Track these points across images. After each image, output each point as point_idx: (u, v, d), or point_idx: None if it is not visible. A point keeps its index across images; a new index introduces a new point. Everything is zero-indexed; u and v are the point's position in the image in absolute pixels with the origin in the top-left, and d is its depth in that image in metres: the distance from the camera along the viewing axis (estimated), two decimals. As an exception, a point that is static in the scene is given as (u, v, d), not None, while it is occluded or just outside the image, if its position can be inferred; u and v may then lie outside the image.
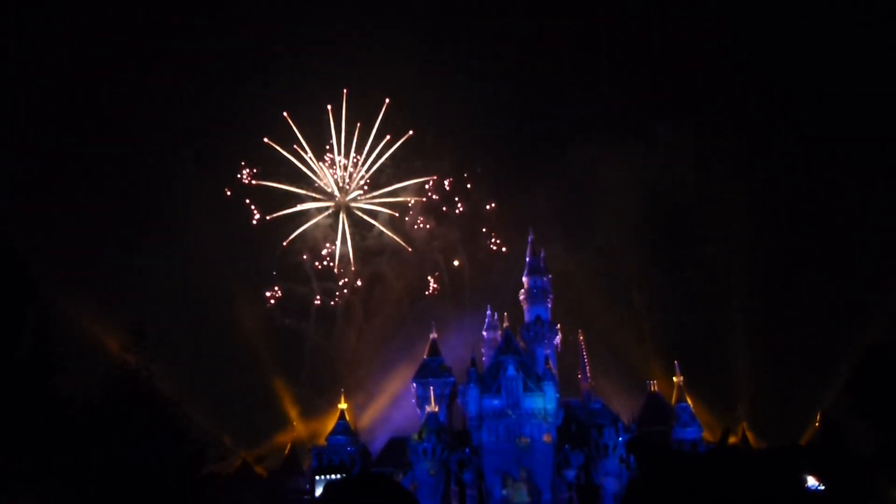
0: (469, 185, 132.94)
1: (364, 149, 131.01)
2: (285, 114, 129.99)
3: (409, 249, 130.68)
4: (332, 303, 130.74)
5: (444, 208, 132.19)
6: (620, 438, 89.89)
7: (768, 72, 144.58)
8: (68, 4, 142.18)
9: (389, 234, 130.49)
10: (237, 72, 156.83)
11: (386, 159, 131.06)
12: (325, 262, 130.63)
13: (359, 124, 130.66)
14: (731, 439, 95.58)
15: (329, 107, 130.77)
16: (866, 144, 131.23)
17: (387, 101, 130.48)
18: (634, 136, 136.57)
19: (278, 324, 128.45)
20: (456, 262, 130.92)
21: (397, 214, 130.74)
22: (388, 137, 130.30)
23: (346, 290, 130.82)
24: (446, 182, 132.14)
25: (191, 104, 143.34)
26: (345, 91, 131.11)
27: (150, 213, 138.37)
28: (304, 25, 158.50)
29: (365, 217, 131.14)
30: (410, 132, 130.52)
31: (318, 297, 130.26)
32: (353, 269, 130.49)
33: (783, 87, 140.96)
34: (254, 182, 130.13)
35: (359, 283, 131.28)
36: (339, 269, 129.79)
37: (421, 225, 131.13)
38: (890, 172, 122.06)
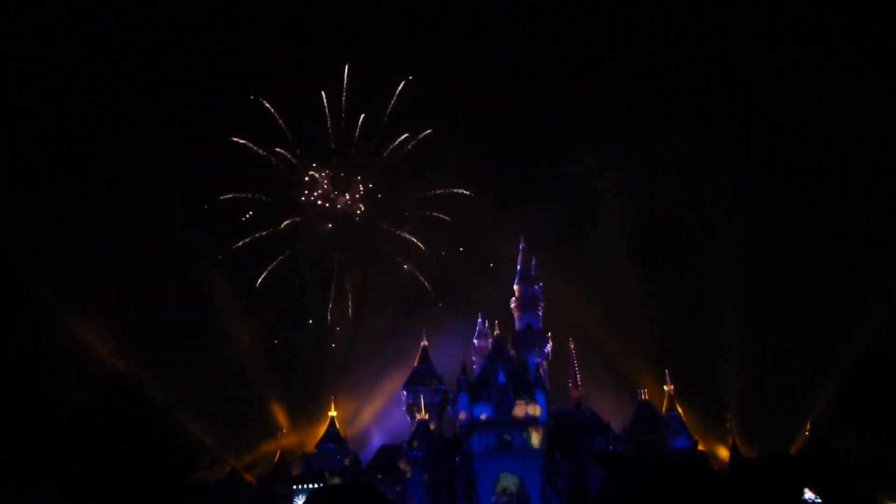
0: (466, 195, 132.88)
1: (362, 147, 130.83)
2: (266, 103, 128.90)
3: (406, 266, 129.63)
4: (326, 310, 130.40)
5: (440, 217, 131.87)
6: (611, 447, 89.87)
7: (765, 83, 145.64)
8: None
9: (385, 243, 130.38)
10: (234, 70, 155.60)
11: (382, 168, 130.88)
12: (320, 269, 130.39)
13: (363, 116, 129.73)
14: (721, 449, 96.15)
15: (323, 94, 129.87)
16: (861, 155, 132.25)
17: (404, 81, 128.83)
18: (630, 146, 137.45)
19: (270, 331, 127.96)
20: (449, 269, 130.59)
21: (422, 247, 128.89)
22: (400, 139, 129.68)
23: (339, 298, 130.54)
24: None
25: (180, 99, 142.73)
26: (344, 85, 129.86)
27: (142, 218, 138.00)
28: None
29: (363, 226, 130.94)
30: (429, 130, 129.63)
31: (311, 304, 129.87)
32: (347, 275, 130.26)
33: (779, 97, 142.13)
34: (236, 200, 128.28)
35: (351, 289, 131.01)
36: (334, 276, 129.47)
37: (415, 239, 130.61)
38: (884, 181, 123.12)
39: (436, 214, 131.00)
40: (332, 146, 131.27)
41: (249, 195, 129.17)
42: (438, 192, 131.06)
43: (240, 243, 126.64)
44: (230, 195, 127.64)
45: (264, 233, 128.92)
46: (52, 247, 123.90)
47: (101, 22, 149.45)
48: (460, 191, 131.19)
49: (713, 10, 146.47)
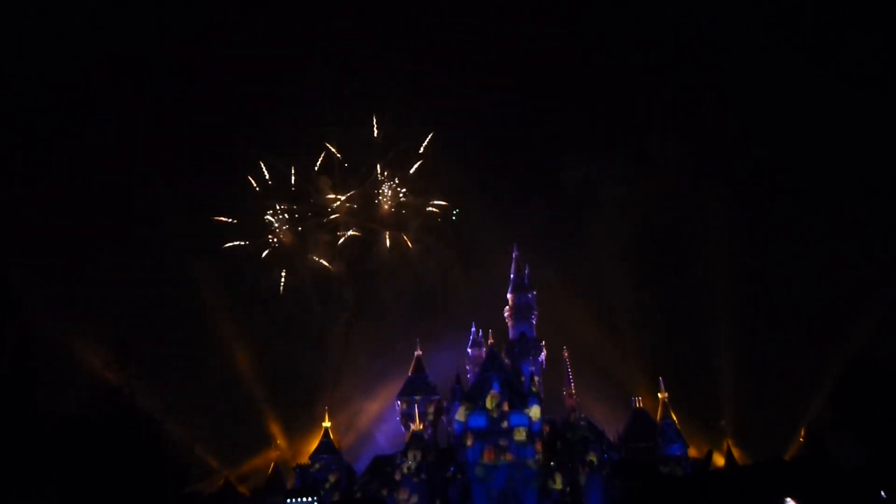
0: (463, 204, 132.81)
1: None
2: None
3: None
4: (322, 320, 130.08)
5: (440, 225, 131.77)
6: (606, 455, 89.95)
7: (763, 93, 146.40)
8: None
9: (385, 251, 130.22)
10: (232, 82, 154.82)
11: (384, 178, 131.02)
12: (318, 278, 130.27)
13: (362, 125, 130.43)
14: (716, 456, 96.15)
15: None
16: (855, 166, 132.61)
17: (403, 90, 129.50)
18: (625, 155, 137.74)
19: (265, 342, 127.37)
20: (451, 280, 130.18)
21: (416, 257, 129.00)
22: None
23: (335, 308, 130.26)
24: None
25: (183, 117, 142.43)
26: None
27: (137, 228, 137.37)
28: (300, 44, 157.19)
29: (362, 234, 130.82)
30: (431, 134, 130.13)
31: (308, 314, 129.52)
32: (345, 285, 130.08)
33: (777, 107, 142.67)
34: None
35: (347, 299, 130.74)
36: (336, 285, 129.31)
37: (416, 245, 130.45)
38: (878, 190, 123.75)
39: (432, 223, 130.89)
40: (333, 156, 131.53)
41: (247, 206, 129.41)
42: (435, 202, 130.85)
43: (231, 248, 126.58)
44: (222, 214, 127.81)
45: (259, 242, 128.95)
46: (43, 258, 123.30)
47: (103, 33, 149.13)
48: (452, 205, 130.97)
49: (711, 18, 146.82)
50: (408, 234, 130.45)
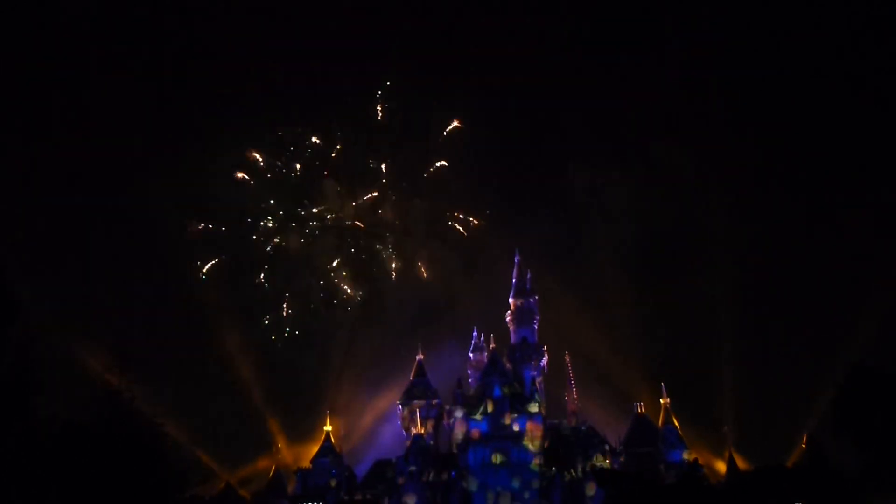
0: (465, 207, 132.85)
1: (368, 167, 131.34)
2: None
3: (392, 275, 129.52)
4: (325, 324, 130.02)
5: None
6: (607, 461, 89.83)
7: (767, 101, 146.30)
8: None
9: (390, 256, 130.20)
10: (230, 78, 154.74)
11: (388, 181, 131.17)
12: (319, 283, 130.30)
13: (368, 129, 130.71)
14: (718, 463, 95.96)
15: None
16: (858, 170, 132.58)
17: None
18: (628, 160, 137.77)
19: (266, 346, 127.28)
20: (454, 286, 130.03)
21: (420, 265, 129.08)
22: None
23: (336, 311, 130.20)
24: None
25: (179, 112, 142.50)
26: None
27: (137, 231, 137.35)
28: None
29: (365, 238, 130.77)
30: (455, 122, 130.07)
31: (315, 318, 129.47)
32: (347, 290, 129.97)
33: (779, 114, 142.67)
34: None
35: (350, 302, 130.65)
36: (337, 290, 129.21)
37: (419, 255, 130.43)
38: (879, 195, 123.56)
39: (438, 230, 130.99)
40: (338, 160, 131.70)
41: (254, 208, 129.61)
42: (445, 210, 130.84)
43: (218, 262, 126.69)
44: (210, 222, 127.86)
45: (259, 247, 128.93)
46: (45, 262, 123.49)
47: (98, 28, 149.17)
48: (470, 218, 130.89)
49: (715, 25, 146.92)
50: (413, 240, 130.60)
